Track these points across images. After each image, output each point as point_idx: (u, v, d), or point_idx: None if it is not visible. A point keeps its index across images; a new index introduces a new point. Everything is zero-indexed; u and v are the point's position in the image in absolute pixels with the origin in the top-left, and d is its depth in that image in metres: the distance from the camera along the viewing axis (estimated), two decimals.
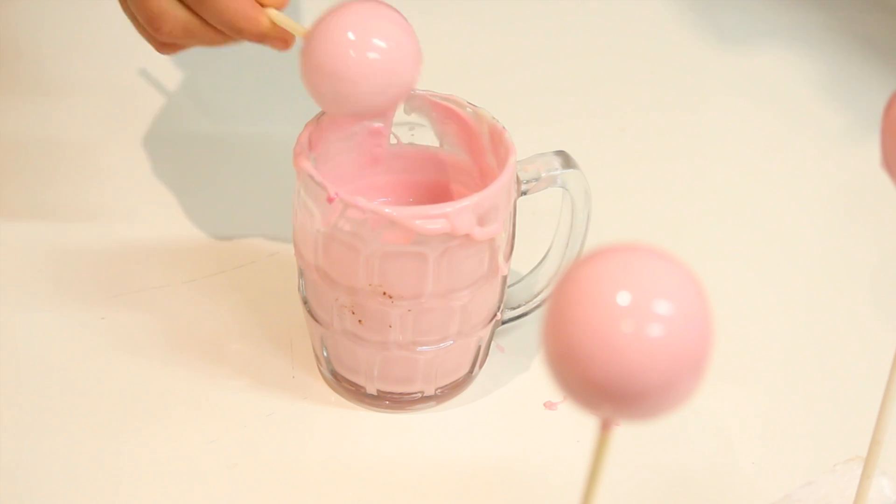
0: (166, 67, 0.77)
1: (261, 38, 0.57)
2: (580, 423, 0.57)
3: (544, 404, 0.60)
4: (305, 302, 0.59)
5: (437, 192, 0.61)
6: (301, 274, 0.59)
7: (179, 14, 0.57)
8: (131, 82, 0.77)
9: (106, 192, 0.70)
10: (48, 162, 0.71)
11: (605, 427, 0.38)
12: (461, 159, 0.60)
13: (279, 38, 0.57)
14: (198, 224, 0.68)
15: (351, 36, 0.53)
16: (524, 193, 0.58)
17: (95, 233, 0.67)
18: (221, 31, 0.57)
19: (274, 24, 0.56)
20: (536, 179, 0.58)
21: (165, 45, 0.59)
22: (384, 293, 0.55)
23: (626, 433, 0.45)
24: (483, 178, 0.59)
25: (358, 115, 0.57)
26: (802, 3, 0.87)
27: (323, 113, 0.58)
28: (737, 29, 0.86)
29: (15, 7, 0.81)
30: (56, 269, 0.65)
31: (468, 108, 0.59)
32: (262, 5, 0.56)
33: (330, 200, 0.54)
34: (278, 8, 0.56)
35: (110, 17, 0.81)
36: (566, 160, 0.59)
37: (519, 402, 0.61)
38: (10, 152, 0.72)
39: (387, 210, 0.53)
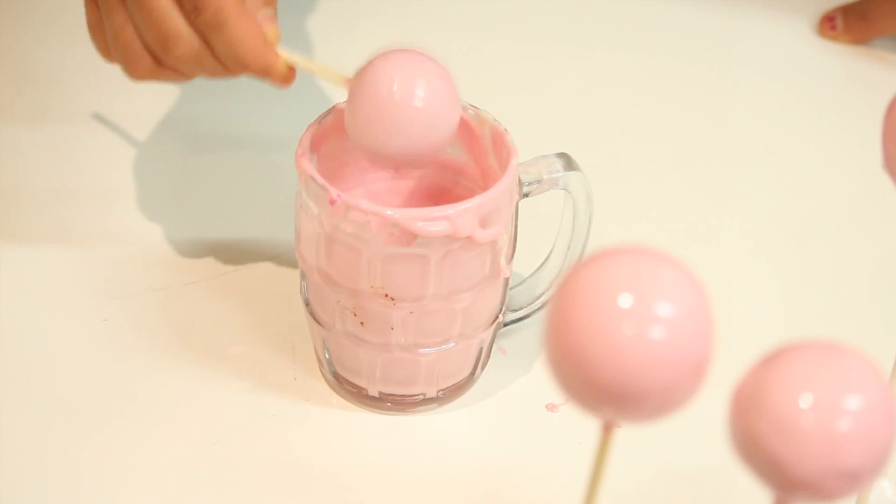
0: None
1: (265, 74, 0.55)
2: (582, 425, 0.57)
3: (546, 406, 0.60)
4: (307, 304, 0.59)
5: (439, 194, 0.61)
6: (303, 276, 0.59)
7: (194, 40, 0.54)
8: (131, 86, 0.77)
9: (108, 194, 0.70)
10: (51, 165, 0.71)
11: (607, 429, 0.38)
12: (463, 161, 0.60)
13: (282, 77, 0.55)
14: (200, 226, 0.68)
15: (395, 90, 0.52)
16: (526, 195, 0.58)
17: (98, 235, 0.67)
18: (226, 64, 0.55)
19: (282, 62, 0.55)
20: (538, 181, 0.58)
21: (160, 69, 0.56)
22: (386, 295, 0.55)
23: (627, 435, 0.45)
24: (485, 181, 0.59)
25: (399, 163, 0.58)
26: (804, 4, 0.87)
27: (325, 114, 0.58)
28: (739, 32, 0.86)
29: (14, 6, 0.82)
30: (58, 271, 0.65)
31: (470, 110, 0.59)
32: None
33: (332, 202, 0.54)
34: (274, 44, 0.55)
35: None
36: (568, 162, 0.59)
37: (521, 405, 0.61)
38: (13, 156, 0.72)
39: (389, 212, 0.53)
